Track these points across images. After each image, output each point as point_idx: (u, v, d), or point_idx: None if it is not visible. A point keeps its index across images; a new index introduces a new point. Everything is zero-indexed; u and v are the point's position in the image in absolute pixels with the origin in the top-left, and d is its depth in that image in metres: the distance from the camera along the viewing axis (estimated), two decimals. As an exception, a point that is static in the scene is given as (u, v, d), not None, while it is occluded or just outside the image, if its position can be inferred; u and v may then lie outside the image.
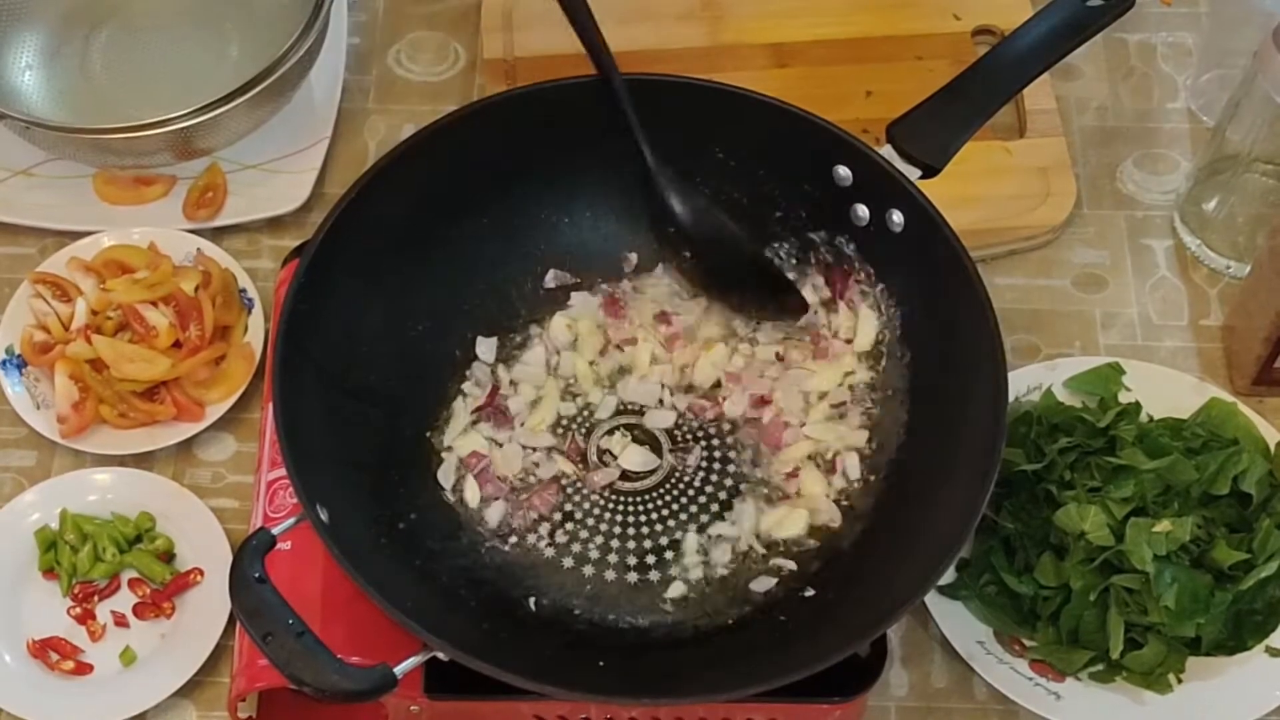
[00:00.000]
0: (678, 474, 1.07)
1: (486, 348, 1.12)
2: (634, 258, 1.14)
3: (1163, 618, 1.02)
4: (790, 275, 1.11)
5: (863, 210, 1.06)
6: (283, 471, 0.98)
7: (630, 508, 1.06)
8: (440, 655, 0.89)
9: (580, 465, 1.08)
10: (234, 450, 1.18)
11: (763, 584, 1.03)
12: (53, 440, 1.17)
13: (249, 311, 1.21)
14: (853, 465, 1.06)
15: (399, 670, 0.88)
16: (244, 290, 1.22)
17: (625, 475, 1.08)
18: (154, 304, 1.18)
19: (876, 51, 1.33)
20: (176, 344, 1.18)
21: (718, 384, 1.11)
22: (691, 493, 1.07)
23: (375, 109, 1.35)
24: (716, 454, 1.08)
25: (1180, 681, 1.05)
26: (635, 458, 1.07)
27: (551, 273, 1.14)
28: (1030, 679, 1.05)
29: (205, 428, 1.17)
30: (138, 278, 1.20)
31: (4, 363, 1.19)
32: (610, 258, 1.15)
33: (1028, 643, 1.07)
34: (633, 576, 1.04)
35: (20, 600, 1.11)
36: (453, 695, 0.97)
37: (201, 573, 1.11)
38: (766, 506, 1.06)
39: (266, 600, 0.88)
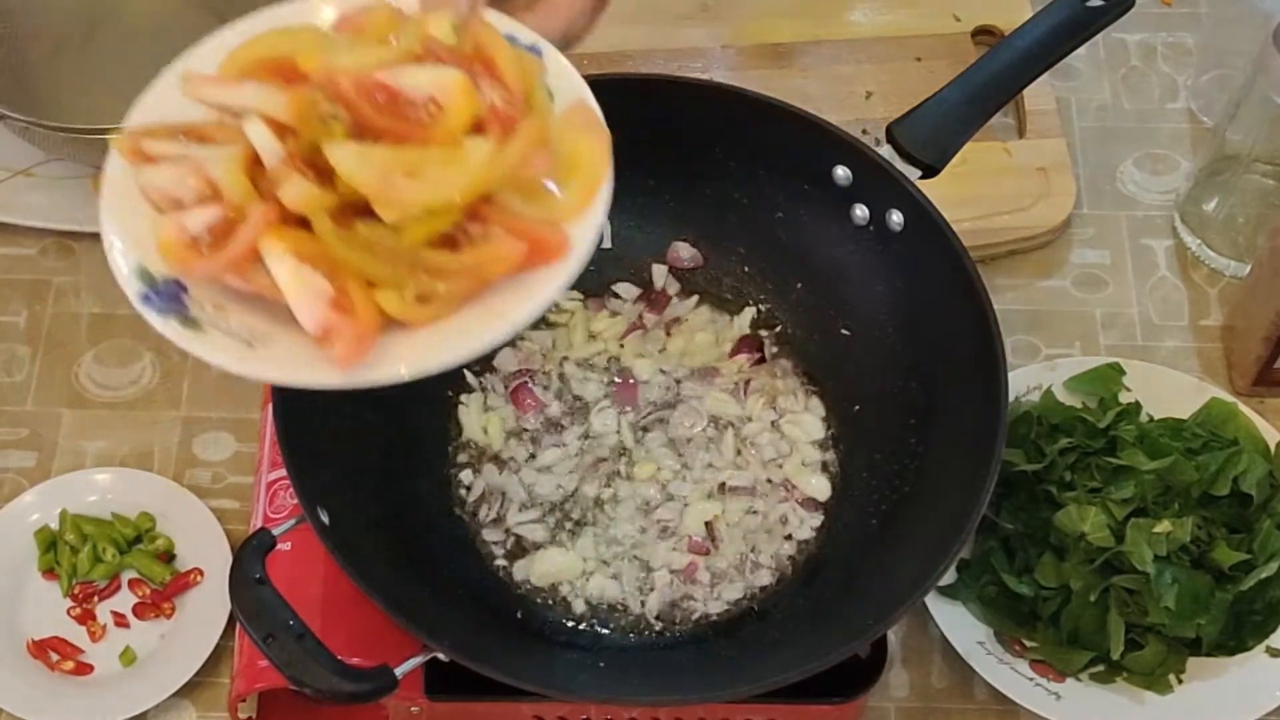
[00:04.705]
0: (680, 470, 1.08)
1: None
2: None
3: (1163, 618, 1.02)
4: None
5: (862, 211, 1.06)
6: (283, 472, 0.98)
7: (633, 506, 1.07)
8: (441, 656, 0.89)
9: (580, 464, 1.08)
10: (234, 450, 1.18)
11: (763, 579, 1.04)
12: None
13: None
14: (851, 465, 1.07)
15: (399, 671, 0.88)
16: None
17: (628, 459, 1.08)
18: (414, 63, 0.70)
19: (876, 52, 1.32)
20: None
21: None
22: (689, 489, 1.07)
23: (375, 109, 1.34)
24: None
25: (1180, 682, 1.05)
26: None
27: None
28: (1030, 679, 1.05)
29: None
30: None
31: (145, 298, 0.71)
32: (607, 258, 1.15)
33: (1028, 643, 1.07)
34: (634, 576, 1.04)
35: (20, 600, 1.11)
36: (453, 696, 0.96)
37: (201, 573, 1.11)
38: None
39: (267, 601, 0.88)
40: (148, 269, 0.72)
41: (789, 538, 1.05)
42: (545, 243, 0.69)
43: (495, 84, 0.70)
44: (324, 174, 0.68)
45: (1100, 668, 1.05)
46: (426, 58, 0.69)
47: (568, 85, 0.77)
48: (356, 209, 0.68)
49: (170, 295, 0.71)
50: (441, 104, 0.67)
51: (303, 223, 0.68)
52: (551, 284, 0.70)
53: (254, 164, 0.69)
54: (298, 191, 0.66)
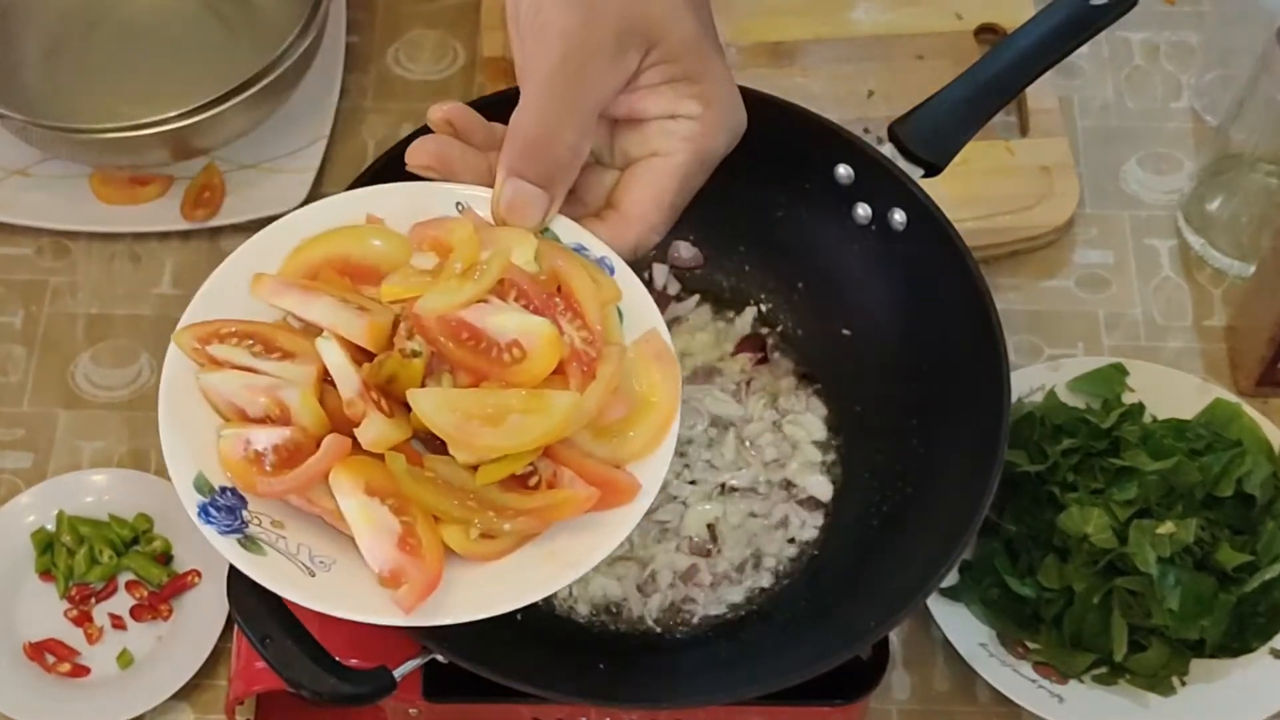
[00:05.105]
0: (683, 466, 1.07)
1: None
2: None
3: (1166, 620, 1.02)
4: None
5: (864, 210, 1.06)
6: (280, 473, 0.97)
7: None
8: (439, 658, 0.88)
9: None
10: (232, 451, 1.18)
11: (764, 580, 1.03)
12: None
13: None
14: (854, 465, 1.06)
15: (398, 673, 0.87)
16: None
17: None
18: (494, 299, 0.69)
19: (878, 50, 1.32)
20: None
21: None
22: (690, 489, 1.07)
23: (374, 108, 1.34)
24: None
25: (1184, 684, 1.04)
26: None
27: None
28: (1033, 681, 1.04)
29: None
30: (439, 269, 0.70)
31: (205, 512, 0.71)
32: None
33: (1030, 645, 1.06)
34: (635, 578, 1.04)
35: (17, 602, 1.10)
36: (452, 698, 0.96)
37: (199, 574, 1.11)
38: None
39: (264, 602, 0.87)
40: (206, 478, 0.72)
41: (791, 539, 1.05)
42: (616, 487, 0.70)
43: (575, 319, 0.70)
44: (395, 399, 0.69)
45: (1103, 670, 1.05)
46: (508, 289, 0.70)
47: (640, 310, 0.77)
48: (426, 440, 0.69)
49: (228, 508, 0.72)
50: (526, 350, 0.68)
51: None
52: (619, 527, 0.71)
53: (324, 378, 0.70)
54: (378, 432, 0.67)
